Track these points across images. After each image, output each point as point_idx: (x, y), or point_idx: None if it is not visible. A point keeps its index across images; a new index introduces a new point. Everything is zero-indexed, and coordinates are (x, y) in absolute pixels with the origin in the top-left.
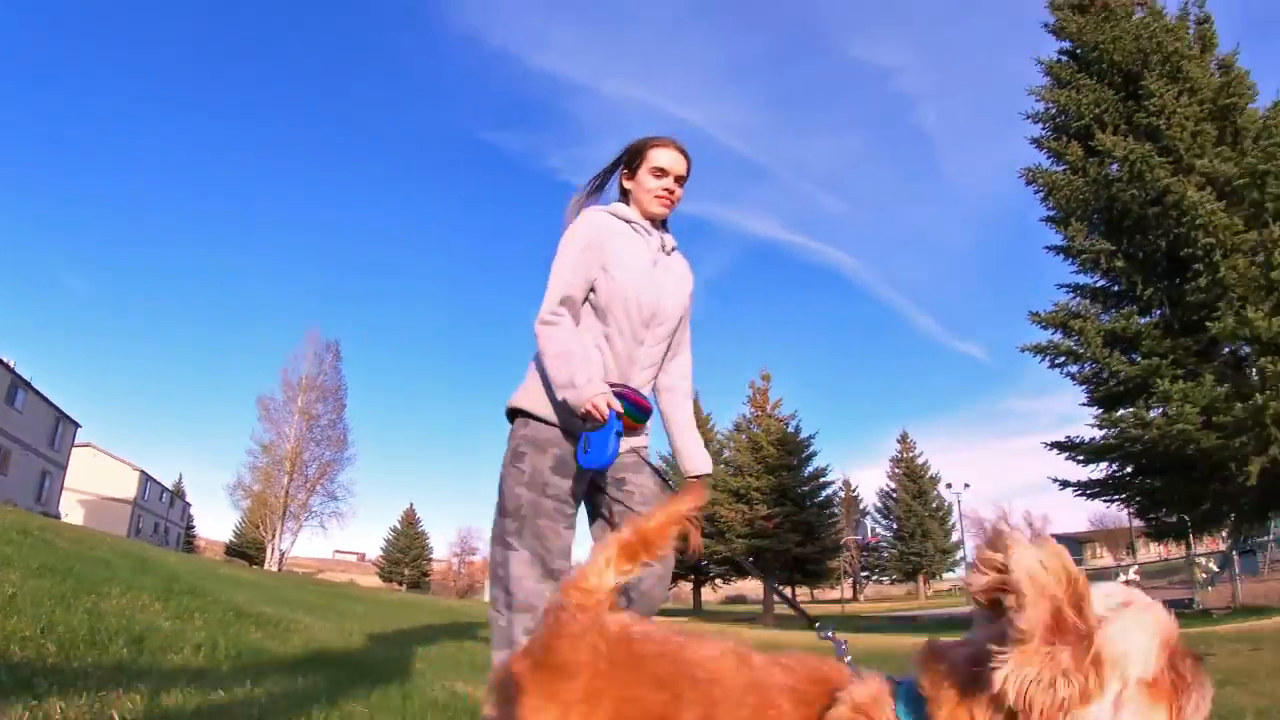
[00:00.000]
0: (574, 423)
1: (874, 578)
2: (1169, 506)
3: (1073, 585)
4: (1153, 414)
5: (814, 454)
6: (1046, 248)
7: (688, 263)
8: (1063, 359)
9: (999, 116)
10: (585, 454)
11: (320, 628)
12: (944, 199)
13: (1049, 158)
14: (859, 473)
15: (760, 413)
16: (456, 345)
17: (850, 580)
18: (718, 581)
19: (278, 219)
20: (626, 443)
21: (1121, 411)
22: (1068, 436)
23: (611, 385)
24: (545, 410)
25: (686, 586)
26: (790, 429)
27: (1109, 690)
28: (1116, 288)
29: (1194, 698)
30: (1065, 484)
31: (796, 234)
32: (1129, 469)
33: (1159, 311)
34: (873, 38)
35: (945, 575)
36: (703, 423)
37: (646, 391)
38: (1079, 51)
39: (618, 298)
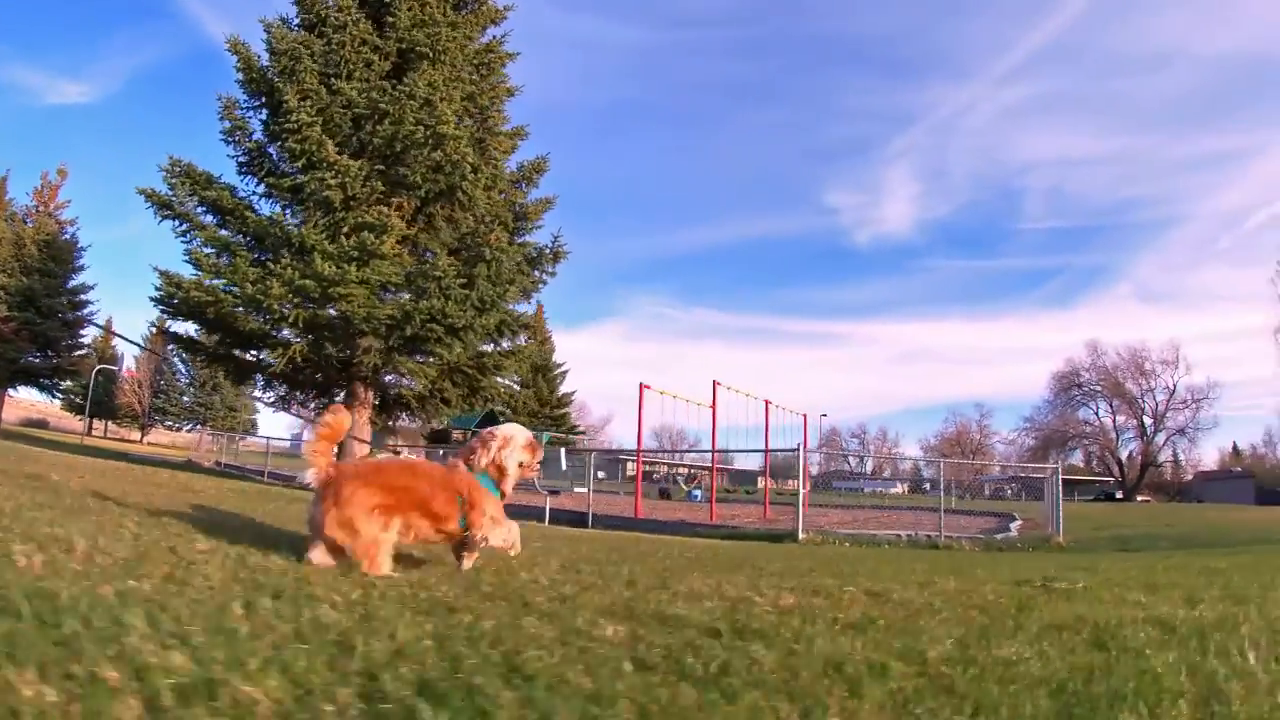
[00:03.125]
0: None
1: (164, 421)
2: (240, 376)
3: (500, 435)
4: (191, 277)
5: (83, 268)
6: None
7: None
8: (164, 211)
9: None
10: None
11: None
12: None
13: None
14: None
15: (42, 209)
16: None
17: (138, 420)
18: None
19: None
20: None
21: (174, 272)
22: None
23: None
24: None
25: None
26: (66, 236)
27: (512, 446)
28: (265, 168)
29: (539, 449)
30: (175, 339)
31: None
32: (219, 335)
33: (287, 204)
34: None
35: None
36: (3, 205)
37: None
38: None
39: None
